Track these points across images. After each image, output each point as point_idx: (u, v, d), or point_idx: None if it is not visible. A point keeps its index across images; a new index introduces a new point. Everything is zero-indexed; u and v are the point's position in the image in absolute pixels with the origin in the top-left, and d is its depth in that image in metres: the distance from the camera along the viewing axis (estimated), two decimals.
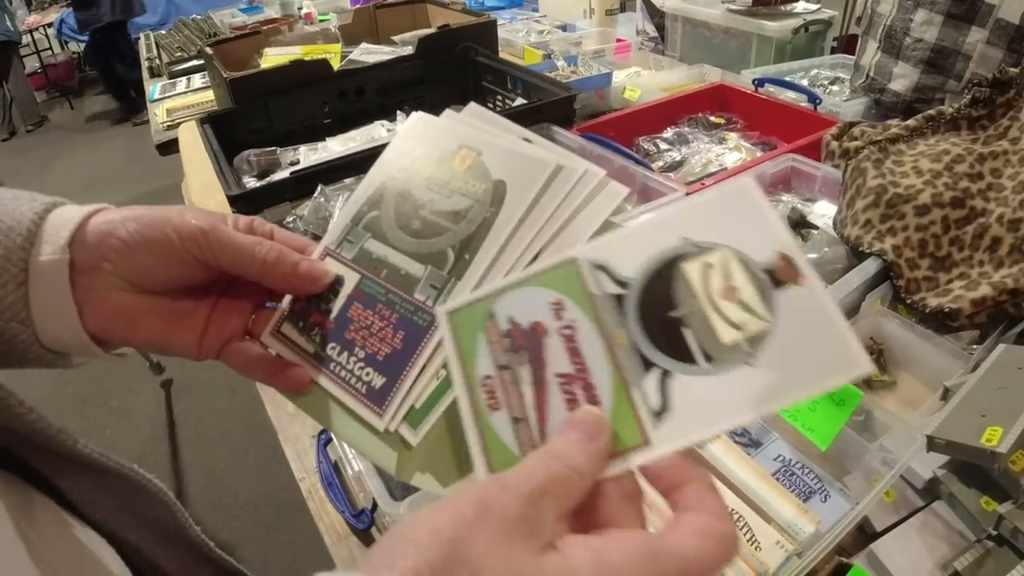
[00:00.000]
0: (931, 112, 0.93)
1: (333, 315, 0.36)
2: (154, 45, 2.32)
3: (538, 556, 0.21)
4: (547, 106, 1.18)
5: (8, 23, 4.38)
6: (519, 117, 1.16)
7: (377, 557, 0.21)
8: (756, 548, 0.50)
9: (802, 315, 0.26)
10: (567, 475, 0.24)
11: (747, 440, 0.63)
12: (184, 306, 0.36)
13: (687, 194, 0.94)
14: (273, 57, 1.50)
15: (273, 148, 1.20)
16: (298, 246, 0.38)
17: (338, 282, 0.37)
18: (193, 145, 1.41)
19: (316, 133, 1.28)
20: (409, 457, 0.32)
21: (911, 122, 0.93)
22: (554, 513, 0.23)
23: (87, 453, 0.33)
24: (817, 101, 1.23)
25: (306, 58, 1.41)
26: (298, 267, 0.36)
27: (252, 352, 0.37)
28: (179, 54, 2.14)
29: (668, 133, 1.25)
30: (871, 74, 1.23)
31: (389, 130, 1.24)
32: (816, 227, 0.92)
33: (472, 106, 0.39)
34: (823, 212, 0.96)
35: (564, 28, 1.96)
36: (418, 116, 0.40)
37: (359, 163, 1.03)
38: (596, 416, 0.26)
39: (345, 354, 0.35)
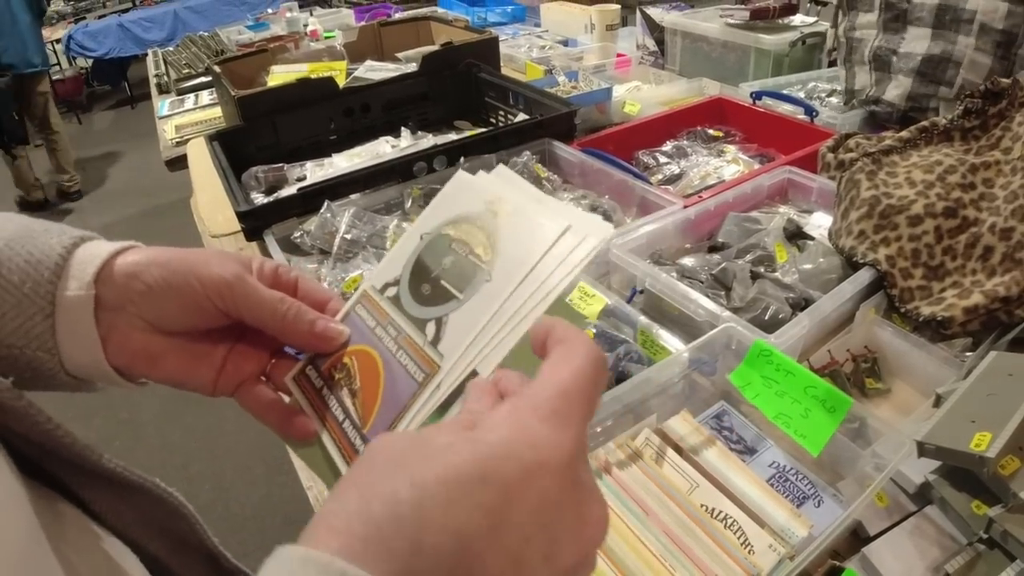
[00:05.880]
0: (924, 123, 0.94)
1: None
2: (162, 62, 2.36)
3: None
4: (548, 121, 1.20)
5: None
6: (521, 132, 1.18)
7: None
8: (749, 552, 0.52)
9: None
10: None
11: (742, 447, 0.65)
12: (203, 347, 0.38)
13: (685, 207, 0.96)
14: (280, 74, 1.53)
15: (280, 164, 1.23)
16: (320, 300, 0.39)
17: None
18: (202, 161, 1.44)
19: (322, 149, 1.30)
20: None
21: (905, 133, 0.94)
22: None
23: (111, 468, 0.35)
24: (814, 113, 1.25)
25: (312, 75, 1.44)
26: (314, 326, 0.37)
27: (265, 397, 0.39)
28: (187, 71, 2.17)
29: (667, 146, 1.27)
30: (865, 91, 1.25)
31: (394, 146, 1.27)
32: (812, 238, 0.93)
33: (500, 168, 0.39)
34: (819, 223, 0.98)
35: (565, 43, 1.99)
36: (456, 175, 0.40)
37: (365, 179, 1.06)
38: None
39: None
